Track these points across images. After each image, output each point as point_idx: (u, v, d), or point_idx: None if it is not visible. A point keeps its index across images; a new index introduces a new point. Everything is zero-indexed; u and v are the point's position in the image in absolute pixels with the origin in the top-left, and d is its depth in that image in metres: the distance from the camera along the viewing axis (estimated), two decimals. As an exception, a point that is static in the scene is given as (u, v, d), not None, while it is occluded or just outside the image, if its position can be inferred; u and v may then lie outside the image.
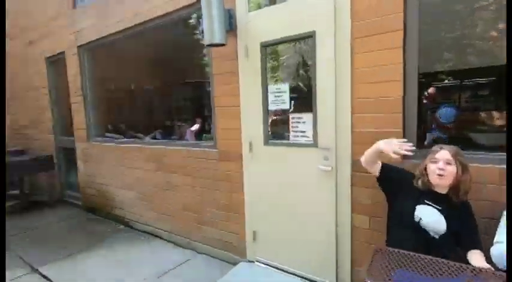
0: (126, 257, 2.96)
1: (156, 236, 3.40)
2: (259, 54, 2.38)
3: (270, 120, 2.48)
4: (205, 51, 3.12)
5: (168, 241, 3.28)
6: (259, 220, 2.58)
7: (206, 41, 2.33)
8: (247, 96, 2.49)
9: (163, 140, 3.69)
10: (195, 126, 4.02)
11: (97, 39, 3.82)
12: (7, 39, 5.57)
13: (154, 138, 4.00)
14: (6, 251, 3.14)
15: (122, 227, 3.73)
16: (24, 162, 4.77)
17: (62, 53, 4.35)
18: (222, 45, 2.39)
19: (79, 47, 4.04)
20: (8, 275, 2.71)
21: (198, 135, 3.83)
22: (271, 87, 2.39)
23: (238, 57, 2.50)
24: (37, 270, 2.78)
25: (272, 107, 2.40)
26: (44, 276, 2.69)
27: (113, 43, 3.77)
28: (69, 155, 4.75)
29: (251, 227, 2.64)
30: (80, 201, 4.58)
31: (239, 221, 2.70)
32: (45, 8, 4.54)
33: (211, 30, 2.31)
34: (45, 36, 4.69)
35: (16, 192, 5.35)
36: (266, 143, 2.45)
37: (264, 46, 2.37)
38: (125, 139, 3.89)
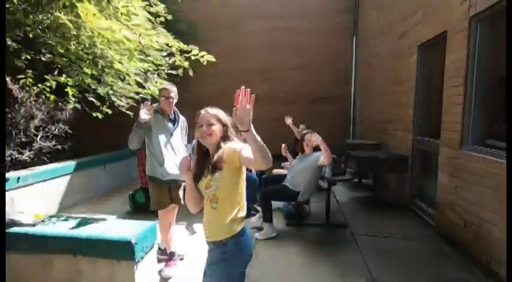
0: None
1: None
2: None
3: None
4: None
5: None
6: None
7: None
8: None
9: None
10: None
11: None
12: (382, 37, 5.76)
13: None
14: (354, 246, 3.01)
15: (504, 297, 2.31)
16: (376, 158, 4.57)
17: (441, 34, 3.47)
18: None
19: (472, 17, 2.91)
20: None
21: None
22: None
23: None
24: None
25: None
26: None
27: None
28: (427, 159, 3.97)
29: None
30: (433, 221, 3.67)
31: None
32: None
33: None
34: (418, 22, 4.08)
35: (369, 182, 5.58)
36: None
37: None
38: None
